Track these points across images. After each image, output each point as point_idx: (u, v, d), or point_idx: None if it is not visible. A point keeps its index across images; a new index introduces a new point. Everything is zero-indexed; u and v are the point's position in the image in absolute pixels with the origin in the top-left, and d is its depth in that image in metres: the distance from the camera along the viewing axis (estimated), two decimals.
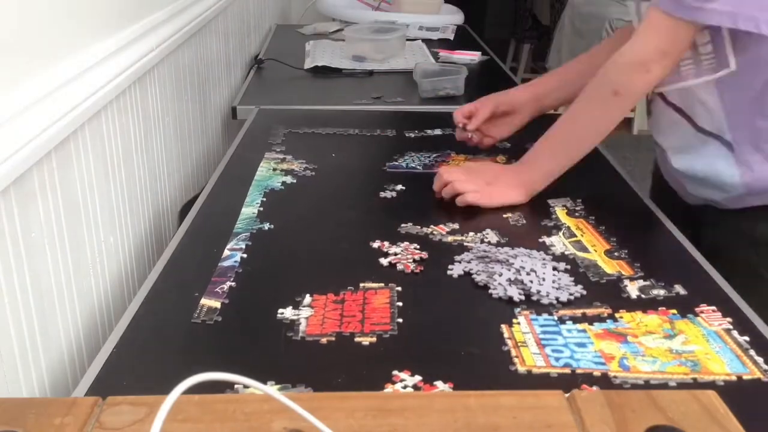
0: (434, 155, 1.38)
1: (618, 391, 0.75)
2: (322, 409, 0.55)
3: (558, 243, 1.06)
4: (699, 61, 1.08)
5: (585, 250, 1.04)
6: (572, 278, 0.96)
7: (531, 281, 0.94)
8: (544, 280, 0.94)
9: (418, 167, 1.32)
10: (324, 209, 1.18)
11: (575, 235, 1.08)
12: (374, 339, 0.84)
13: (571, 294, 0.92)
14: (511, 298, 0.91)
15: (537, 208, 1.17)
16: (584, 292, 0.93)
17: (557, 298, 0.91)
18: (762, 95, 1.06)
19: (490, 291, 0.93)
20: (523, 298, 0.91)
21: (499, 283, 0.93)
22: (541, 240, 1.07)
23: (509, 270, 0.96)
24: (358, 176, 1.33)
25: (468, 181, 1.17)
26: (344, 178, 1.33)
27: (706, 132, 1.12)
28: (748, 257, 1.10)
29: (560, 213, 1.15)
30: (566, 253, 1.03)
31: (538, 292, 0.92)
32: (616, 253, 1.03)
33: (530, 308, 0.90)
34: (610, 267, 0.99)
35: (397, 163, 1.35)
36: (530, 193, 1.18)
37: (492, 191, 1.17)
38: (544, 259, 1.00)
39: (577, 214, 1.15)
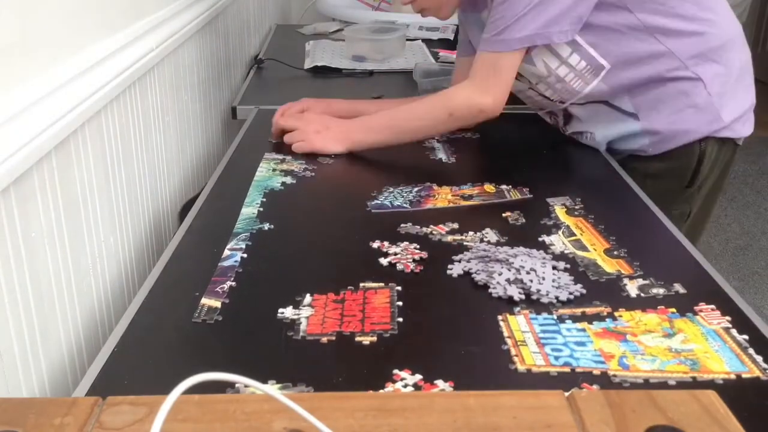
0: (416, 189, 1.24)
1: (618, 390, 0.75)
2: (322, 409, 0.55)
3: (557, 242, 1.06)
4: (582, 74, 1.31)
5: (584, 249, 1.04)
6: (572, 277, 0.96)
7: (531, 280, 0.94)
8: (543, 279, 0.94)
9: (405, 205, 1.18)
10: (324, 209, 1.18)
11: (575, 234, 1.08)
12: (374, 338, 0.84)
13: (570, 293, 0.92)
14: (511, 298, 0.91)
15: (536, 207, 1.17)
16: (584, 291, 0.93)
17: (557, 297, 0.91)
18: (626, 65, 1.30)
19: (489, 290, 0.93)
20: (523, 297, 0.91)
21: (498, 282, 0.93)
22: (540, 239, 1.07)
23: (509, 269, 0.96)
24: (358, 176, 1.33)
25: (299, 131, 1.42)
26: (344, 178, 1.33)
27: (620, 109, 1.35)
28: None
29: (559, 212, 1.15)
30: (566, 252, 1.03)
31: (538, 291, 0.92)
32: (615, 252, 1.03)
33: (530, 307, 0.90)
34: (610, 266, 0.99)
35: (379, 201, 1.20)
36: (349, 148, 1.39)
37: (315, 139, 1.39)
38: (543, 259, 1.00)
39: (576, 213, 1.15)
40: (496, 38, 1.28)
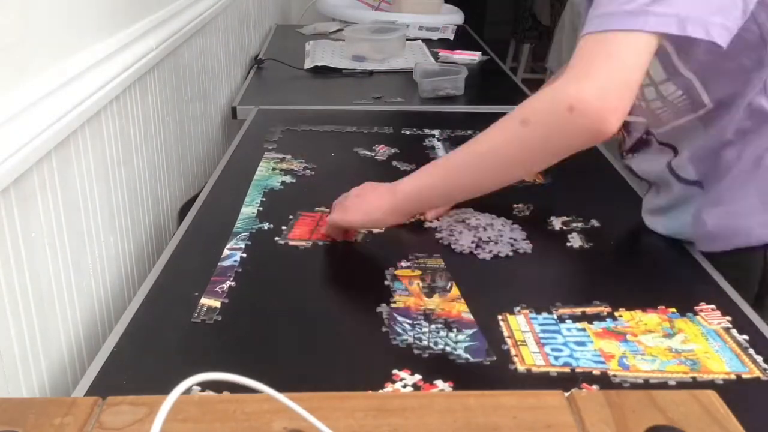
0: None
1: (618, 390, 0.75)
2: (322, 409, 0.55)
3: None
4: (673, 105, 0.98)
5: None
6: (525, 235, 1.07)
7: (489, 237, 1.06)
8: (501, 235, 1.07)
9: None
10: (324, 209, 1.18)
11: None
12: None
13: (517, 243, 1.05)
14: (469, 250, 1.03)
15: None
16: (530, 246, 1.04)
17: (512, 244, 1.04)
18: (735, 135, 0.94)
19: (452, 247, 1.04)
20: (474, 247, 1.03)
21: (456, 239, 1.05)
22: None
23: (469, 230, 1.08)
24: (358, 176, 1.33)
25: (336, 205, 1.04)
26: (344, 176, 1.32)
27: (678, 176, 1.03)
28: None
29: None
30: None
31: (489, 239, 1.05)
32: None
33: (529, 307, 0.90)
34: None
35: None
36: (394, 206, 0.99)
37: (350, 205, 1.01)
38: (504, 222, 1.11)
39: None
40: (616, 9, 0.81)
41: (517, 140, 0.88)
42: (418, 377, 0.77)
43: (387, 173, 1.32)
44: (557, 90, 0.84)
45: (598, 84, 0.81)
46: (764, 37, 0.87)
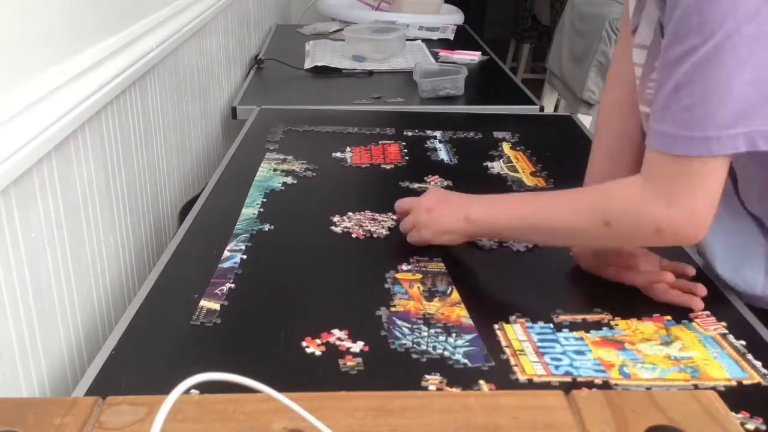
0: None
1: (618, 391, 0.75)
2: (322, 409, 0.55)
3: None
4: None
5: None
6: None
7: None
8: None
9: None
10: (324, 210, 1.18)
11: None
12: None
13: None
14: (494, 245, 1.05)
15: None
16: None
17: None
18: None
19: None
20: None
21: None
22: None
23: None
24: (359, 176, 1.33)
25: (412, 213, 1.04)
26: (345, 177, 1.33)
27: (743, 202, 0.97)
28: None
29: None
30: (501, 173, 1.29)
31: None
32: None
33: (526, 315, 0.89)
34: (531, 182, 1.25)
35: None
36: (467, 231, 0.99)
37: (425, 220, 1.01)
38: None
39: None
40: (688, 134, 0.79)
41: (598, 235, 0.90)
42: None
43: (387, 174, 1.33)
44: (642, 208, 0.84)
45: (687, 212, 0.82)
46: None
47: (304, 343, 0.83)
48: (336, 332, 0.85)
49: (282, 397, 0.52)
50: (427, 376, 0.78)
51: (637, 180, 0.85)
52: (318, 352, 0.82)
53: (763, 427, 0.70)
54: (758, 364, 0.80)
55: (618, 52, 1.06)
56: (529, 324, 0.88)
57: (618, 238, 0.90)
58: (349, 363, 0.80)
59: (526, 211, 0.96)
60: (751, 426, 0.70)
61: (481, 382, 0.77)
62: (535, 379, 0.78)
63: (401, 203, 1.07)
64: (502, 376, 0.79)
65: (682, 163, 0.80)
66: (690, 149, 0.79)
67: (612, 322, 0.88)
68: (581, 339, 0.85)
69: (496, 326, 0.87)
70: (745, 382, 0.78)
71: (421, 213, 1.02)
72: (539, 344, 0.84)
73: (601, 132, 1.07)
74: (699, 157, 0.79)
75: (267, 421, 0.55)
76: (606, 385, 0.77)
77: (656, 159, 0.83)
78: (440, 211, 1.01)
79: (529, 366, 0.80)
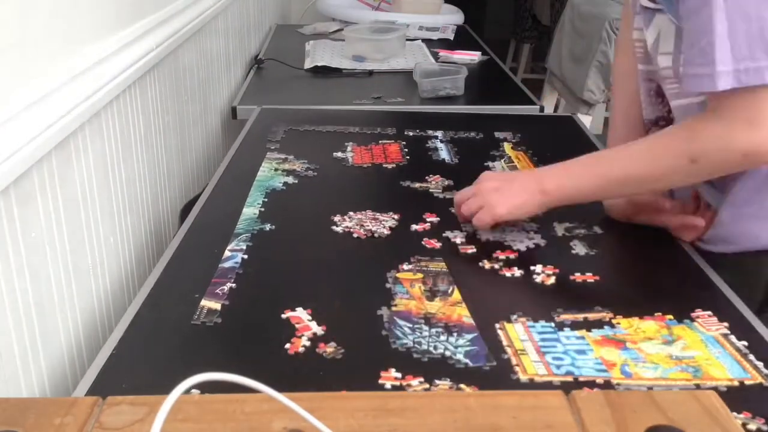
0: None
1: (618, 391, 0.75)
2: (322, 409, 0.55)
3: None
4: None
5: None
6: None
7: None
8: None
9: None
10: (326, 210, 1.18)
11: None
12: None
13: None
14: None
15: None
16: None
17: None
18: None
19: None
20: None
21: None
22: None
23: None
24: (360, 176, 1.33)
25: (475, 197, 1.05)
26: (347, 177, 1.33)
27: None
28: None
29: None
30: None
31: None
32: None
33: (527, 315, 0.89)
34: None
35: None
36: (544, 203, 1.02)
37: (494, 199, 1.03)
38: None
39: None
40: (755, 65, 0.86)
41: (684, 173, 0.95)
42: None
43: (388, 173, 1.33)
44: (726, 138, 0.90)
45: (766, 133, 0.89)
46: None
47: (303, 343, 0.83)
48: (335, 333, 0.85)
49: (282, 397, 0.52)
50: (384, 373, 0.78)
51: (710, 116, 0.92)
52: (318, 354, 0.82)
53: (765, 428, 0.70)
54: (760, 364, 0.80)
55: (624, 22, 1.16)
56: (531, 323, 0.88)
57: (706, 172, 0.96)
58: (328, 350, 0.81)
59: (603, 170, 1.00)
60: (753, 426, 0.70)
61: (462, 385, 0.77)
62: (537, 379, 0.78)
63: (462, 194, 1.08)
64: (503, 376, 0.79)
65: (756, 91, 0.87)
66: (763, 78, 0.86)
67: (614, 321, 0.88)
68: (583, 338, 0.85)
69: (497, 325, 0.87)
70: (747, 382, 0.78)
71: (489, 194, 1.03)
72: (541, 344, 0.84)
73: (617, 96, 1.17)
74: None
75: (267, 421, 0.55)
76: (608, 385, 0.77)
77: (725, 96, 0.89)
78: (511, 188, 1.03)
79: (531, 366, 0.80)
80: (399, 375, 0.78)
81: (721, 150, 0.91)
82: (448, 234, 1.08)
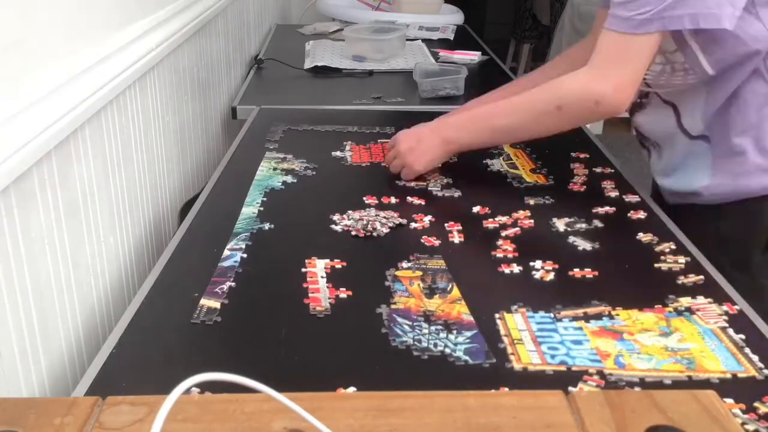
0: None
1: (618, 390, 0.75)
2: (322, 409, 0.55)
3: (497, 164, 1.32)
4: (681, 72, 1.11)
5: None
6: None
7: None
8: None
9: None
10: (325, 209, 1.18)
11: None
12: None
13: None
14: None
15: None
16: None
17: None
18: (736, 94, 1.10)
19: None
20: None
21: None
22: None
23: None
24: (360, 174, 1.33)
25: (398, 158, 1.26)
26: (346, 175, 1.33)
27: (686, 132, 1.17)
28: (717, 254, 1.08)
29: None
30: (501, 170, 1.31)
31: None
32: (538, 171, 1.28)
33: (527, 305, 0.90)
34: (531, 178, 1.28)
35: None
36: (448, 152, 1.25)
37: (411, 160, 1.24)
38: None
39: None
40: (635, 15, 1.01)
41: (552, 119, 1.12)
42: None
43: (387, 172, 1.32)
44: (584, 86, 1.08)
45: (616, 83, 1.05)
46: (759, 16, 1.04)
47: (304, 343, 0.83)
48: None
49: (282, 397, 0.52)
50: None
51: (584, 67, 1.08)
52: (317, 353, 0.82)
53: (765, 429, 0.70)
54: (755, 358, 0.81)
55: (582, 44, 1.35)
56: (530, 313, 0.88)
57: (570, 119, 1.13)
58: (318, 308, 0.84)
59: (491, 122, 1.19)
60: (751, 427, 0.70)
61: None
62: (530, 368, 0.79)
63: (389, 151, 1.30)
64: (497, 365, 0.79)
65: (622, 40, 1.03)
66: (629, 27, 1.02)
67: (613, 312, 0.89)
68: (580, 329, 0.86)
69: (497, 315, 0.88)
70: (740, 375, 0.78)
71: (406, 155, 1.25)
72: (538, 333, 0.85)
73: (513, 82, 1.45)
74: (637, 34, 1.02)
75: (267, 421, 0.55)
76: (600, 375, 0.78)
77: (603, 39, 1.06)
78: (420, 147, 1.24)
79: (526, 355, 0.81)
80: None
81: (579, 98, 1.09)
82: (446, 232, 1.09)
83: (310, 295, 0.92)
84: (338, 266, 0.99)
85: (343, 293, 0.93)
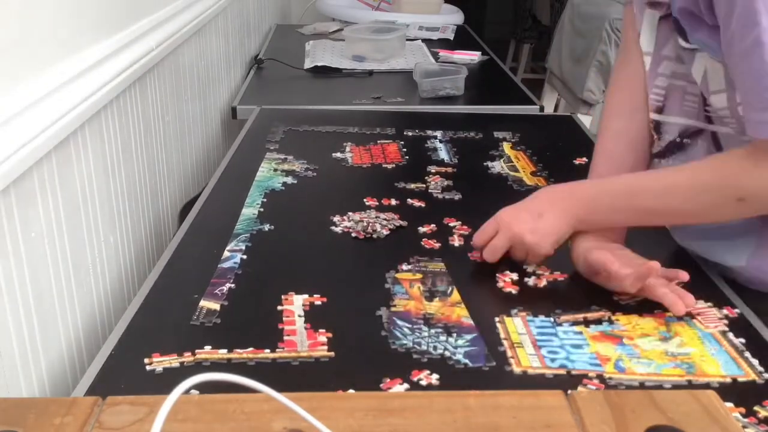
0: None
1: (618, 391, 0.75)
2: (322, 409, 0.55)
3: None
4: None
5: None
6: None
7: None
8: None
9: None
10: (325, 210, 1.18)
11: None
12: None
13: None
14: None
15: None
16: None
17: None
18: None
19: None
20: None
21: None
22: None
23: None
24: (360, 176, 1.33)
25: (510, 240, 0.99)
26: (346, 177, 1.33)
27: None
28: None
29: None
30: (501, 173, 1.30)
31: None
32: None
33: (527, 309, 0.90)
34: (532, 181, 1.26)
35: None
36: (576, 228, 0.99)
37: (532, 240, 0.98)
38: None
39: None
40: None
41: (731, 211, 0.92)
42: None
43: (388, 173, 1.32)
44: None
45: None
46: None
47: (303, 342, 0.83)
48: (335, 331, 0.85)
49: (282, 397, 0.52)
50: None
51: (761, 155, 0.87)
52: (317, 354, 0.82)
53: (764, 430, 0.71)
54: (755, 362, 0.80)
55: (621, 57, 1.09)
56: (530, 318, 0.88)
57: (754, 210, 0.92)
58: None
59: (637, 203, 0.96)
60: (751, 431, 0.70)
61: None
62: (530, 371, 0.79)
63: (480, 236, 1.02)
64: (497, 368, 0.79)
65: None
66: None
67: (613, 317, 0.88)
68: (580, 333, 0.85)
69: (496, 319, 0.88)
70: (740, 379, 0.78)
71: (526, 236, 0.98)
72: (538, 337, 0.84)
73: (603, 134, 1.09)
74: None
75: (267, 421, 0.55)
76: (600, 379, 0.77)
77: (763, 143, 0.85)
78: (545, 227, 0.98)
79: (525, 358, 0.81)
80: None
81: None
82: (446, 235, 1.08)
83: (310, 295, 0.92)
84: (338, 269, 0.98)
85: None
